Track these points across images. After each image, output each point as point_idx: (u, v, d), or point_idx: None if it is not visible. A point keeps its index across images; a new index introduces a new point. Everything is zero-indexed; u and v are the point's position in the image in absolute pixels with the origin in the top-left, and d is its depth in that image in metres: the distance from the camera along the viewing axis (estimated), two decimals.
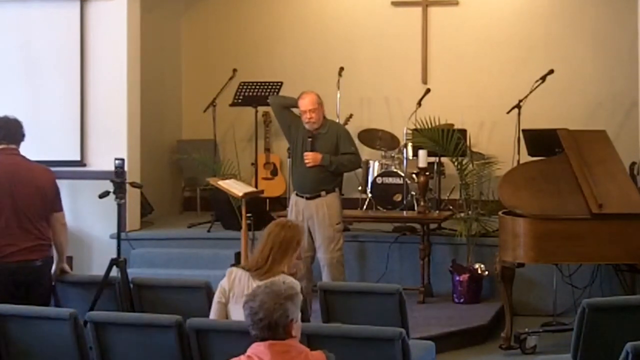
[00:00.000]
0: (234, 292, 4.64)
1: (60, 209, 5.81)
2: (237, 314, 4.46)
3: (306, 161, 7.08)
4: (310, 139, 7.10)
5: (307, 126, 7.11)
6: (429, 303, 7.92)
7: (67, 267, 5.83)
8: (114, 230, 6.49)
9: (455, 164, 8.27)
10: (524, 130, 8.56)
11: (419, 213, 8.14)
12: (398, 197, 8.76)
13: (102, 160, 8.41)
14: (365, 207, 9.02)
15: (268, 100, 7.88)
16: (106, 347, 4.63)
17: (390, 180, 8.84)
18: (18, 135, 5.78)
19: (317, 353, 3.55)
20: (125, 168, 6.23)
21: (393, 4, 10.34)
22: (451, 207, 8.92)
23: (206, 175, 8.43)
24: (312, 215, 7.10)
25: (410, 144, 9.10)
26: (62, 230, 5.81)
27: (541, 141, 7.70)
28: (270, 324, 3.42)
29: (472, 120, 9.76)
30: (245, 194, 7.39)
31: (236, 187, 7.51)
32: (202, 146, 9.68)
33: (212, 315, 4.70)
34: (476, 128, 9.89)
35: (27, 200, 5.59)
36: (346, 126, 8.82)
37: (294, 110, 7.31)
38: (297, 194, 7.23)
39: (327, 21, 10.51)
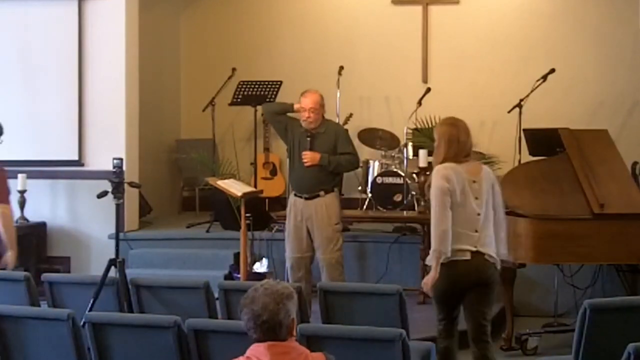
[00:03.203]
0: (458, 188, 5.17)
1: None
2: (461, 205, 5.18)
3: (304, 160, 7.04)
4: (309, 139, 7.06)
5: (304, 124, 7.06)
6: (429, 304, 7.83)
7: (8, 257, 5.84)
8: (112, 230, 6.48)
9: None
10: (525, 130, 8.52)
11: (420, 213, 8.11)
12: (398, 197, 8.73)
13: (100, 159, 8.41)
14: (365, 207, 8.99)
15: (261, 107, 7.82)
16: (104, 348, 4.61)
17: (391, 180, 8.81)
18: None
19: (317, 355, 3.51)
20: (124, 168, 6.22)
21: (393, 2, 10.33)
22: None
23: (205, 175, 8.41)
24: (311, 215, 7.06)
25: (410, 144, 9.09)
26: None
27: (542, 141, 7.67)
28: (275, 325, 3.39)
29: (473, 119, 9.60)
30: (245, 194, 7.36)
31: (235, 187, 7.48)
32: (201, 146, 9.65)
33: (444, 210, 5.14)
34: (477, 127, 9.83)
35: None
36: (346, 126, 8.81)
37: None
38: (295, 194, 7.19)
39: (327, 20, 10.49)
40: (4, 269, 5.86)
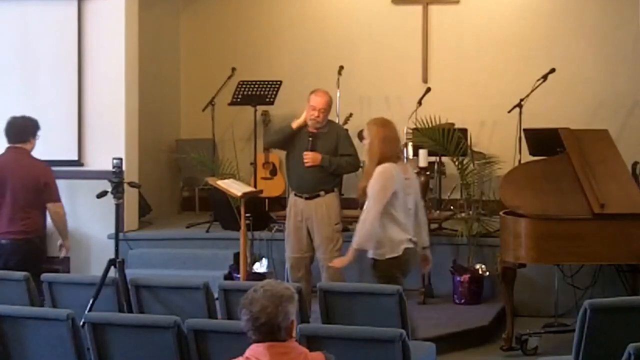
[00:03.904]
0: (399, 186, 5.81)
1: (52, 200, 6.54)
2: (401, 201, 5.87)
3: (305, 161, 7.03)
4: (310, 139, 7.05)
5: (310, 123, 7.04)
6: (429, 304, 7.88)
7: (64, 244, 6.73)
8: (112, 230, 6.46)
9: (456, 163, 8.23)
10: (525, 130, 8.52)
11: None
12: None
13: (100, 159, 8.39)
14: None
15: (264, 142, 7.70)
16: (104, 348, 4.60)
17: None
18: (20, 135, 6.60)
19: (316, 354, 3.51)
20: (123, 168, 6.20)
21: (393, 2, 10.31)
22: (452, 207, 8.89)
23: (205, 175, 8.39)
24: (311, 215, 7.04)
25: (410, 144, 9.05)
26: (54, 217, 6.61)
27: (543, 141, 7.67)
28: (273, 328, 3.38)
29: (473, 119, 9.72)
30: (244, 194, 7.34)
31: (235, 187, 7.46)
32: (201, 145, 9.63)
33: (378, 212, 5.78)
34: (477, 127, 9.85)
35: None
36: (346, 126, 8.81)
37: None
38: (295, 194, 7.18)
39: (327, 19, 10.47)
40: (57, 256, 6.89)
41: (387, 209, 5.86)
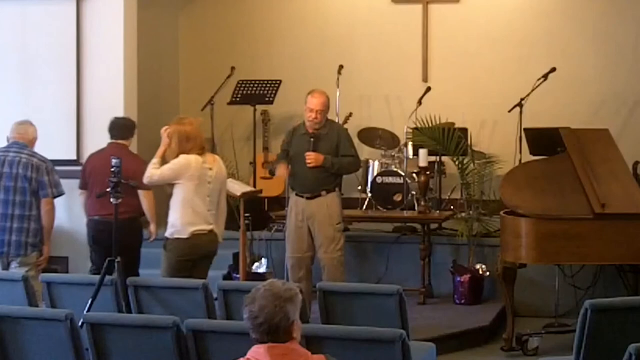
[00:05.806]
0: (196, 173, 6.22)
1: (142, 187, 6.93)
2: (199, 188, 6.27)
3: (308, 161, 7.01)
4: (312, 139, 7.04)
5: (308, 124, 7.04)
6: (429, 304, 7.86)
7: (151, 228, 7.46)
8: None
9: (457, 163, 8.22)
10: (525, 129, 8.50)
11: (420, 213, 8.09)
12: (398, 197, 8.70)
13: None
14: (365, 207, 8.96)
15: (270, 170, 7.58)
16: (103, 349, 4.60)
17: (391, 179, 8.78)
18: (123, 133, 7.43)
19: (318, 357, 3.48)
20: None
21: (393, 1, 10.29)
22: (452, 207, 8.88)
23: None
24: (313, 215, 7.04)
25: (410, 143, 9.05)
26: (144, 201, 7.25)
27: (543, 140, 7.65)
28: (271, 328, 3.36)
29: (474, 119, 9.70)
30: (244, 194, 7.34)
31: (234, 187, 7.45)
32: None
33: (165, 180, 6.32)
34: (477, 127, 9.83)
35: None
36: (346, 125, 8.79)
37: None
38: (297, 194, 7.17)
39: (327, 19, 10.45)
40: (147, 239, 7.54)
41: (184, 193, 6.21)
